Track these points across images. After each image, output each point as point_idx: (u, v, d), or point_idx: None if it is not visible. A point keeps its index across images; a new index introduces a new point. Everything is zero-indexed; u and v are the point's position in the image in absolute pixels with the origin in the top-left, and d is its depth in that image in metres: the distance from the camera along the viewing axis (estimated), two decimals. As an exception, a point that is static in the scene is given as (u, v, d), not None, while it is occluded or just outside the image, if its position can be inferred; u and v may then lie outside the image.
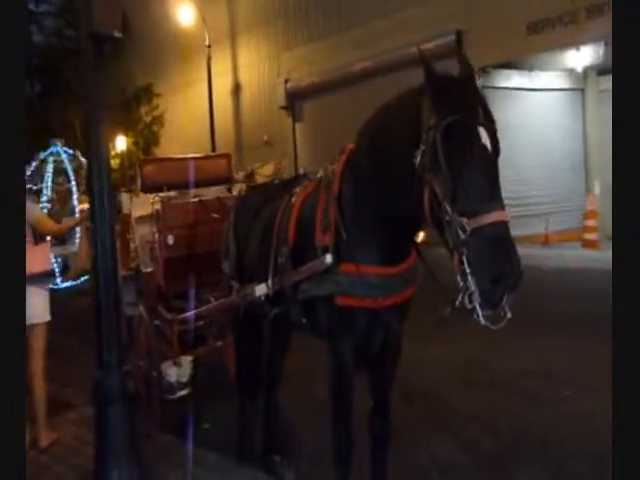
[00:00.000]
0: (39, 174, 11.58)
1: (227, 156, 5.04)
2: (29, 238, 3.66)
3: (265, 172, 4.19)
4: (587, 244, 10.81)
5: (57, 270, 10.17)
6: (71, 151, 12.13)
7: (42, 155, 12.00)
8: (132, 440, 2.74)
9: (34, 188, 10.97)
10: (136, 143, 21.68)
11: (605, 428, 3.58)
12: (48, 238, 4.01)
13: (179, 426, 3.68)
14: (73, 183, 11.83)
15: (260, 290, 2.87)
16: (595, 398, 3.92)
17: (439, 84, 2.01)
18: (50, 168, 11.73)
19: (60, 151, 11.96)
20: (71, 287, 10.18)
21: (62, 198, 11.65)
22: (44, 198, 11.20)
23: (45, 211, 9.47)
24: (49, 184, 11.61)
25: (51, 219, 4.23)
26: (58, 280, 10.08)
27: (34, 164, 11.99)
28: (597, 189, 11.73)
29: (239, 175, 4.24)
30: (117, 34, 2.79)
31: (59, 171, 11.86)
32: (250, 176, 2.85)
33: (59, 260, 10.81)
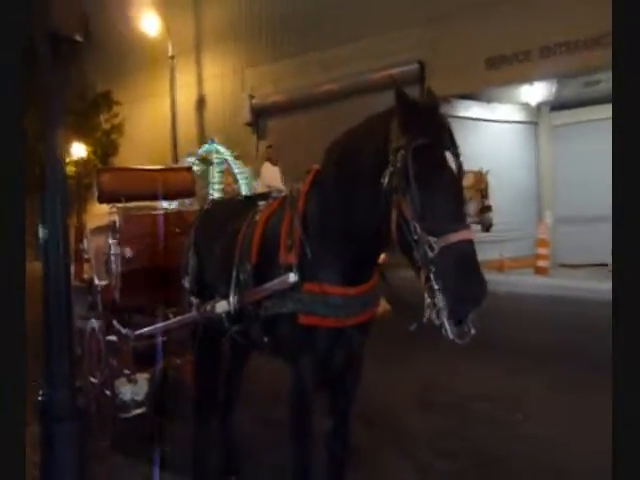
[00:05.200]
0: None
1: (190, 169, 5.01)
2: None
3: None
4: (538, 271, 11.20)
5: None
6: (224, 149, 10.67)
7: (199, 151, 10.64)
8: (81, 461, 2.62)
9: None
10: (94, 152, 21.12)
11: (554, 450, 3.68)
12: None
13: (133, 446, 3.54)
14: (243, 182, 10.57)
15: (221, 307, 2.81)
16: (544, 422, 4.06)
17: (409, 108, 2.07)
18: (218, 168, 10.51)
19: (220, 149, 10.78)
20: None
21: None
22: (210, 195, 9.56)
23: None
24: (216, 185, 10.39)
25: None
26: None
27: (190, 159, 10.65)
28: (548, 219, 12.21)
29: None
30: (79, 38, 2.70)
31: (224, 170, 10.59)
32: None
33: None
